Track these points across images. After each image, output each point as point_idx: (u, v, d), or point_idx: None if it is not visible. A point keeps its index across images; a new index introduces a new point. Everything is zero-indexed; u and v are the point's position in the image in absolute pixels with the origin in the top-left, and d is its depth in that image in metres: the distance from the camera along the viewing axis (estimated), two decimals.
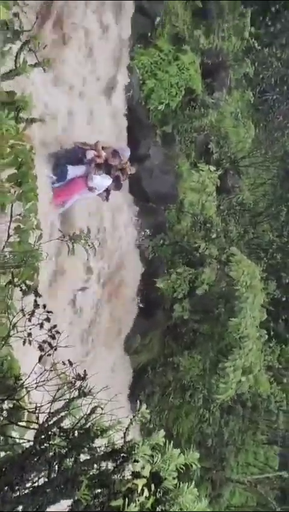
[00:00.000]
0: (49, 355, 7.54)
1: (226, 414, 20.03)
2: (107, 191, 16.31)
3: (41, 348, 7.46)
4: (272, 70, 22.32)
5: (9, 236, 7.97)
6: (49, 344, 7.44)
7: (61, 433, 6.91)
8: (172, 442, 7.10)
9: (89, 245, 11.07)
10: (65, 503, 6.94)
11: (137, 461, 6.53)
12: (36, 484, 6.80)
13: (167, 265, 19.17)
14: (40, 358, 7.50)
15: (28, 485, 6.64)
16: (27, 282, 8.19)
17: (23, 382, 7.40)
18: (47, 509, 6.65)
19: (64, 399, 7.24)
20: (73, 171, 15.33)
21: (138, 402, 7.72)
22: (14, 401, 7.51)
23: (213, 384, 18.33)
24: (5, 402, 7.44)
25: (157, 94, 19.13)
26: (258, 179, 22.88)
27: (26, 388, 7.43)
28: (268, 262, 20.81)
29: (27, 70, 7.38)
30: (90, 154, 15.63)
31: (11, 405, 7.56)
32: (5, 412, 7.50)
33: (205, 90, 20.61)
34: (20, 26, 8.12)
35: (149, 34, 19.41)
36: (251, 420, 20.47)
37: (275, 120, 22.89)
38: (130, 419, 6.78)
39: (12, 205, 7.86)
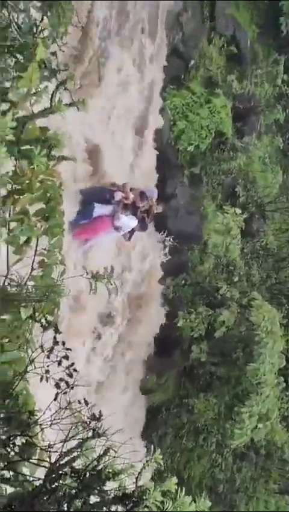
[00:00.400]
0: (65, 393, 7.52)
1: (238, 460, 19.76)
2: (131, 231, 16.38)
3: (57, 386, 7.44)
4: None
5: (32, 269, 8.02)
6: (66, 382, 7.43)
7: (73, 474, 6.86)
8: (183, 485, 7.02)
9: (111, 284, 11.03)
10: None
11: (148, 507, 6.48)
12: None
13: (187, 305, 19.14)
14: (56, 395, 7.48)
15: None
16: (48, 317, 8.21)
17: (38, 419, 7.38)
18: None
19: (78, 439, 7.21)
20: (100, 209, 15.41)
21: (151, 445, 7.71)
22: (27, 437, 7.48)
23: (227, 429, 18.18)
24: (18, 437, 7.42)
25: (187, 135, 19.28)
26: (283, 224, 22.82)
27: (40, 425, 7.40)
28: None
29: (62, 109, 7.46)
30: (118, 195, 15.73)
31: (24, 441, 7.53)
32: (17, 448, 7.47)
33: (234, 134, 20.76)
34: (57, 65, 8.25)
35: (182, 76, 19.67)
36: (264, 468, 20.15)
37: None
38: (143, 464, 6.72)
39: (37, 239, 7.92)
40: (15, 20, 7.60)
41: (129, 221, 15.91)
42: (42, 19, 7.83)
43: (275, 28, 22.12)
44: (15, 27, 7.52)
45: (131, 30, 17.48)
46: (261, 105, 21.61)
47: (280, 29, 22.08)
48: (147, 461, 6.79)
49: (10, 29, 7.56)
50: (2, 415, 7.56)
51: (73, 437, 7.25)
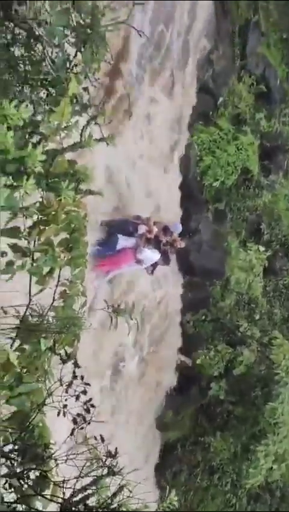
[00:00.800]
0: (82, 428, 7.48)
1: (253, 501, 19.51)
2: (154, 264, 16.40)
3: (74, 421, 7.40)
4: None
5: (54, 300, 8.02)
6: (83, 417, 7.39)
7: (86, 510, 6.80)
8: None
9: (132, 319, 11.01)
10: None
11: None
12: None
13: (207, 342, 19.07)
14: (73, 431, 7.44)
15: None
16: (67, 348, 8.18)
17: (53, 453, 7.33)
18: None
19: (93, 476, 7.14)
20: (123, 242, 15.45)
21: (165, 482, 7.60)
22: (42, 471, 7.42)
23: (243, 469, 18.03)
24: (32, 471, 7.37)
25: (213, 171, 19.35)
26: None
27: (55, 459, 7.35)
28: None
29: (92, 144, 7.53)
30: (142, 229, 15.78)
31: (38, 475, 7.47)
32: (30, 481, 7.41)
33: (261, 171, 20.78)
34: (89, 100, 8.33)
35: (211, 113, 19.78)
36: (278, 511, 19.89)
37: None
38: (158, 505, 6.66)
39: (60, 270, 7.93)
40: (50, 55, 7.70)
41: (151, 255, 15.93)
42: (76, 55, 7.93)
43: None
44: (49, 61, 7.62)
45: (162, 67, 17.67)
46: (288, 144, 21.64)
47: None
48: (162, 502, 6.72)
49: (44, 64, 7.66)
50: (17, 446, 7.52)
51: (88, 473, 7.19)
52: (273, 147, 21.31)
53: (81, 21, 7.93)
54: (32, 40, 7.75)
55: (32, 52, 7.86)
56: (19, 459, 7.40)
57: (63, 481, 7.07)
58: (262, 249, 20.39)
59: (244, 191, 20.49)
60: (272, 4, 21.49)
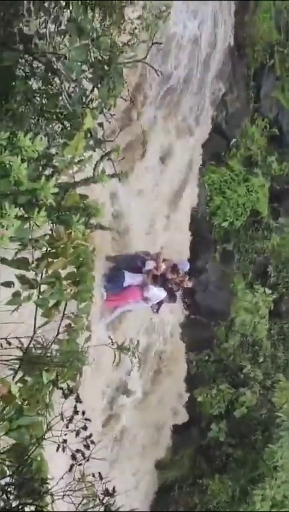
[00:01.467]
0: (80, 464, 7.41)
1: None
2: (159, 303, 16.34)
3: (73, 457, 7.34)
4: None
5: (58, 333, 7.99)
6: (82, 454, 7.33)
7: None
8: None
9: (135, 357, 11.00)
10: None
11: None
12: None
13: (210, 382, 18.98)
14: (71, 466, 7.36)
15: None
16: (69, 382, 8.13)
17: (50, 489, 7.25)
18: None
19: None
20: (130, 279, 15.40)
21: None
22: (37, 506, 7.34)
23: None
24: (28, 505, 7.28)
25: (223, 211, 19.44)
26: None
27: (51, 495, 7.26)
28: None
29: (105, 180, 7.55)
30: (150, 265, 15.72)
31: (34, 509, 7.38)
32: None
33: (270, 214, 20.84)
34: (103, 136, 8.38)
35: (223, 154, 19.91)
36: None
37: None
38: None
39: (66, 303, 7.91)
40: (66, 89, 7.77)
41: (158, 293, 15.88)
42: (92, 90, 8.00)
43: None
44: (66, 96, 7.68)
45: (178, 107, 17.83)
46: None
47: None
48: None
49: (61, 97, 7.72)
50: (14, 480, 7.44)
51: (84, 510, 7.10)
52: (283, 190, 21.42)
53: (99, 58, 8.01)
54: (50, 74, 7.83)
55: (50, 86, 7.93)
56: (15, 493, 7.32)
57: None
58: (268, 291, 20.39)
59: (253, 233, 20.55)
60: (288, 49, 21.74)
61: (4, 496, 7.25)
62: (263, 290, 20.25)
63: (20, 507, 7.18)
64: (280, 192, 21.40)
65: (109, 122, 8.64)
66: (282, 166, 20.87)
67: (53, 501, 7.09)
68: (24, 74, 7.83)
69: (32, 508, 7.36)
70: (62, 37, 7.87)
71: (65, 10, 7.99)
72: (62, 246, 7.70)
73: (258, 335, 19.80)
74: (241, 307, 19.65)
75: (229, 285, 19.86)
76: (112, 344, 10.12)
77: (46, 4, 7.86)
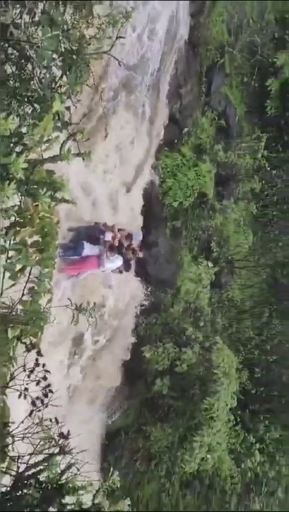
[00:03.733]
0: (39, 410, 7.42)
1: (184, 487, 19.54)
2: (120, 267, 16.40)
3: (33, 403, 7.34)
4: (276, 189, 22.63)
5: (23, 295, 7.95)
6: (41, 401, 7.33)
7: (37, 485, 6.73)
8: (132, 505, 6.91)
9: (92, 317, 11.02)
10: None
11: None
12: None
13: (156, 341, 19.09)
14: (31, 412, 7.37)
15: None
16: (32, 338, 8.12)
17: (11, 431, 7.24)
18: None
19: (45, 454, 7.09)
20: (89, 249, 15.35)
21: (110, 467, 7.55)
22: None
23: (178, 456, 18.04)
24: None
25: (174, 192, 19.43)
26: (248, 281, 22.95)
27: (12, 436, 7.26)
28: (245, 356, 20.74)
29: (70, 158, 7.48)
30: (108, 236, 15.73)
31: None
32: None
33: (215, 196, 20.92)
34: (69, 119, 8.29)
35: (176, 141, 19.89)
36: (207, 498, 19.94)
37: (271, 232, 23.08)
38: (101, 483, 6.62)
39: (31, 268, 7.87)
40: (38, 75, 7.66)
41: (114, 263, 15.92)
42: (61, 76, 7.90)
43: (261, 108, 22.52)
44: (37, 81, 7.57)
45: (137, 96, 17.73)
46: (241, 174, 21.83)
47: (265, 111, 22.48)
48: (105, 481, 6.69)
49: (32, 82, 7.61)
50: None
51: (41, 451, 7.13)
52: (228, 176, 21.51)
53: (69, 48, 7.90)
54: (23, 60, 7.70)
55: (22, 71, 7.81)
56: None
57: (18, 457, 7.00)
58: (210, 264, 20.52)
59: (199, 212, 20.58)
60: (237, 50, 21.79)
61: None
62: (206, 263, 20.38)
63: None
64: (224, 177, 21.49)
65: (75, 107, 8.53)
66: (227, 154, 20.94)
67: (13, 442, 7.09)
68: None
69: None
70: (36, 27, 7.74)
71: (39, 3, 7.86)
72: (29, 216, 7.64)
73: (200, 302, 19.96)
74: (186, 278, 19.75)
75: (176, 258, 19.92)
76: (72, 306, 10.14)
77: None
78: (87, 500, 6.70)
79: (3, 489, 6.93)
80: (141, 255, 17.25)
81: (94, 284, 16.76)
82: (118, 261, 15.99)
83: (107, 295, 17.58)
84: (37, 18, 7.77)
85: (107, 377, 18.57)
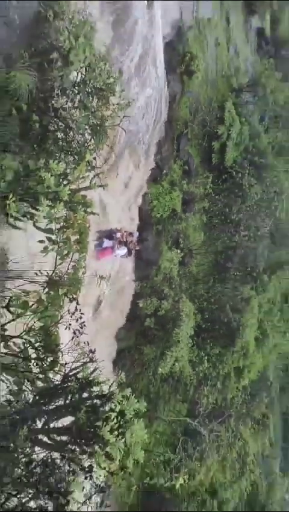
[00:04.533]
0: (77, 337, 7.43)
1: (163, 381, 19.58)
2: (126, 254, 16.53)
3: (74, 333, 7.36)
4: (217, 207, 22.40)
5: (68, 269, 7.91)
6: (79, 331, 7.35)
7: (76, 380, 6.76)
8: (133, 393, 6.93)
9: (108, 281, 11.13)
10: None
11: (114, 403, 6.37)
12: (58, 404, 6.61)
13: (146, 296, 19.04)
14: (72, 338, 7.39)
15: (53, 406, 6.46)
16: (73, 295, 8.10)
17: (61, 348, 7.26)
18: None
19: (81, 362, 7.11)
20: (107, 243, 15.55)
21: (119, 370, 7.54)
22: (53, 358, 7.34)
23: (159, 364, 18.06)
24: (48, 358, 7.27)
25: (158, 208, 19.40)
26: (201, 261, 22.75)
27: (61, 351, 7.28)
28: (199, 305, 20.70)
29: (95, 188, 7.48)
30: (118, 235, 15.82)
31: (51, 359, 7.38)
32: (47, 363, 7.32)
33: (182, 210, 20.76)
34: (95, 164, 8.26)
35: (158, 178, 19.80)
36: (176, 388, 19.96)
37: (214, 233, 22.89)
38: (115, 379, 6.63)
39: (72, 254, 7.83)
40: (76, 138, 7.63)
41: (121, 251, 16.06)
42: (90, 139, 7.87)
43: (209, 159, 22.40)
44: (76, 142, 7.54)
45: (135, 151, 17.61)
46: (197, 198, 21.58)
47: (211, 160, 22.38)
48: (116, 377, 6.71)
49: (73, 142, 7.58)
50: (40, 345, 7.41)
51: (78, 360, 7.15)
52: (189, 199, 21.37)
53: (95, 122, 7.86)
54: (67, 129, 7.66)
55: (67, 136, 7.77)
56: (41, 350, 7.32)
57: (65, 363, 7.02)
58: (179, 251, 20.43)
59: (172, 220, 20.47)
60: (195, 124, 21.61)
61: (34, 353, 7.22)
62: (176, 251, 20.26)
63: (42, 358, 7.19)
64: (187, 200, 21.32)
65: (99, 157, 8.49)
66: (189, 186, 20.83)
67: (62, 355, 7.11)
68: (53, 129, 7.66)
69: (50, 358, 7.35)
70: (75, 109, 7.68)
71: (77, 96, 7.80)
72: (71, 222, 7.59)
73: (172, 274, 19.87)
74: (164, 259, 19.67)
75: (159, 248, 19.83)
76: (97, 275, 10.13)
77: (68, 92, 7.64)
78: (105, 389, 6.73)
79: (56, 382, 6.95)
80: (138, 247, 17.29)
81: (107, 266, 16.73)
82: (124, 250, 16.10)
83: (117, 270, 17.49)
84: (76, 105, 7.74)
85: (117, 318, 18.60)
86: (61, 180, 6.87)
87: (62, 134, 7.55)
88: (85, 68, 7.48)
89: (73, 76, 7.57)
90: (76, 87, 7.55)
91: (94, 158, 8.17)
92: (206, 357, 20.26)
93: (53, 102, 7.46)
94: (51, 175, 6.42)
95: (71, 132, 7.55)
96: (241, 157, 22.91)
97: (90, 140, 7.79)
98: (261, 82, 25.02)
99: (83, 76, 7.76)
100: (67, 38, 7.35)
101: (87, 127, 7.61)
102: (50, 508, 5.91)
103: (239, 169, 22.40)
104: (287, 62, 28.59)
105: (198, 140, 22.19)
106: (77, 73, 7.72)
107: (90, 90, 7.89)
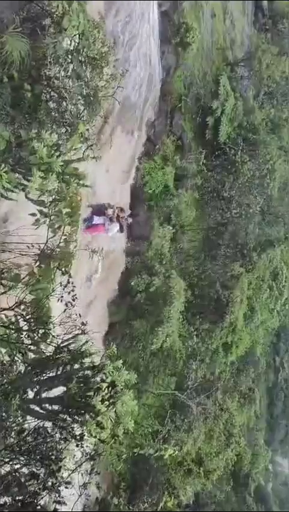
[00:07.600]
0: (70, 309, 7.47)
1: (153, 355, 19.76)
2: (118, 230, 16.45)
3: (66, 305, 7.39)
4: (210, 184, 22.33)
5: (60, 242, 7.87)
6: (71, 304, 7.38)
7: (68, 352, 6.83)
8: (124, 365, 7.04)
9: (100, 256, 11.10)
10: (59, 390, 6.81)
11: (105, 374, 6.47)
12: (50, 375, 6.69)
13: (138, 272, 19.04)
14: (64, 310, 7.42)
15: (45, 376, 6.53)
16: (65, 267, 8.10)
17: (52, 321, 7.30)
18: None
19: (73, 334, 7.17)
20: (97, 220, 15.42)
21: (110, 343, 7.62)
22: (45, 330, 7.38)
23: (150, 338, 18.18)
24: (40, 330, 7.32)
25: (150, 184, 19.20)
26: (192, 238, 22.68)
27: (53, 323, 7.32)
28: (189, 281, 20.82)
29: (88, 160, 7.38)
30: (109, 211, 15.69)
31: (43, 331, 7.43)
32: (39, 334, 7.37)
33: (174, 186, 20.60)
34: (88, 136, 8.12)
35: (151, 153, 19.56)
36: (165, 362, 20.18)
37: (206, 209, 22.81)
38: (106, 351, 6.72)
39: (64, 227, 7.78)
40: (69, 109, 7.46)
41: (113, 228, 15.94)
42: (84, 110, 7.71)
43: (203, 135, 22.16)
44: (69, 113, 7.38)
45: (129, 124, 17.34)
46: (189, 174, 21.43)
47: (205, 136, 22.13)
48: (107, 349, 6.79)
49: (66, 113, 7.42)
50: (33, 319, 7.44)
51: (70, 332, 7.21)
52: (182, 175, 21.20)
53: (88, 93, 7.69)
54: (60, 99, 7.49)
55: (60, 106, 7.60)
56: (33, 323, 7.35)
57: (57, 335, 7.07)
58: (170, 228, 20.36)
59: (164, 196, 20.34)
60: (189, 98, 21.27)
61: (26, 325, 7.26)
62: (168, 227, 20.15)
63: (34, 330, 7.23)
64: (179, 176, 21.15)
65: (92, 129, 8.34)
66: (182, 162, 20.63)
67: (54, 326, 7.16)
68: (46, 99, 7.48)
69: (42, 330, 7.39)
70: (68, 79, 7.49)
71: (70, 65, 7.60)
72: (63, 195, 7.51)
73: (164, 250, 19.79)
74: (156, 235, 19.58)
75: (151, 224, 19.73)
76: (89, 249, 10.09)
77: (61, 60, 7.44)
78: (96, 360, 6.82)
79: (48, 354, 7.01)
80: (130, 221, 17.20)
81: (99, 240, 16.67)
82: (115, 227, 16.02)
83: (110, 244, 17.45)
84: (69, 74, 7.54)
85: (109, 291, 18.62)
86: (53, 152, 6.77)
87: (55, 104, 7.38)
88: (79, 36, 7.26)
89: (66, 43, 7.36)
90: (70, 55, 7.34)
91: (88, 130, 8.03)
92: (195, 332, 20.51)
93: (45, 70, 7.26)
94: (43, 145, 6.31)
95: (64, 103, 7.38)
96: (235, 133, 22.70)
97: (83, 111, 7.63)
98: (256, 56, 24.52)
99: (76, 44, 7.54)
100: (60, 3, 7.11)
101: (80, 97, 7.44)
102: (42, 475, 6.07)
103: (233, 145, 22.21)
104: (283, 37, 28.00)
105: (192, 114, 21.87)
106: (71, 40, 7.50)
107: (83, 59, 7.69)
